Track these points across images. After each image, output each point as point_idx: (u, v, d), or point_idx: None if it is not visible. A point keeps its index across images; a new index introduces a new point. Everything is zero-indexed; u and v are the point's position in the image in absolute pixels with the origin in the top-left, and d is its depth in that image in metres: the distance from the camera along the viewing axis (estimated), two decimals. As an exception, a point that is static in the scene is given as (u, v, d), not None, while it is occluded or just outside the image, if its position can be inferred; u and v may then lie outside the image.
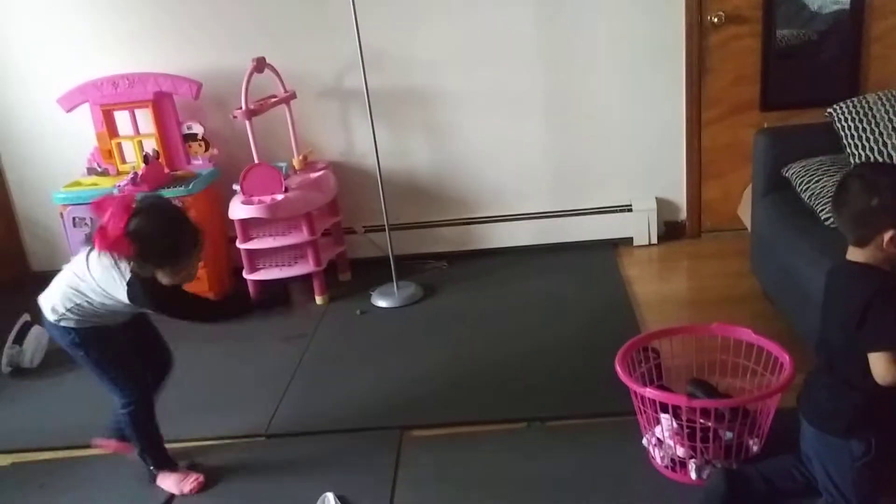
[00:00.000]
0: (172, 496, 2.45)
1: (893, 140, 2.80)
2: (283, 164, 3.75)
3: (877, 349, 1.82)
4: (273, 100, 3.76)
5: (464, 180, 4.10)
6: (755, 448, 2.28)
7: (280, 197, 3.56)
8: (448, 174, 4.10)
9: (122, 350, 2.39)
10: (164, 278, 2.19)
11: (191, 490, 2.46)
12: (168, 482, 2.48)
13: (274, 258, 3.79)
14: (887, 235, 1.82)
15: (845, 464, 1.94)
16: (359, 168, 4.05)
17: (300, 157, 3.87)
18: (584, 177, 4.05)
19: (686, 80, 3.85)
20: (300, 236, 3.65)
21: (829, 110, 3.09)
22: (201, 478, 2.49)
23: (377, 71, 3.71)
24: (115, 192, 3.67)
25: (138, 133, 3.93)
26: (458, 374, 3.01)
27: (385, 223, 3.70)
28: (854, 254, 1.91)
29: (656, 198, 4.04)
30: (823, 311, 2.01)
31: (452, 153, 4.06)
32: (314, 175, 3.81)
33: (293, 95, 3.88)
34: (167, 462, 2.51)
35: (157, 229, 2.15)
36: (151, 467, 2.49)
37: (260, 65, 3.63)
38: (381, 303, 3.70)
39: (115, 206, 2.11)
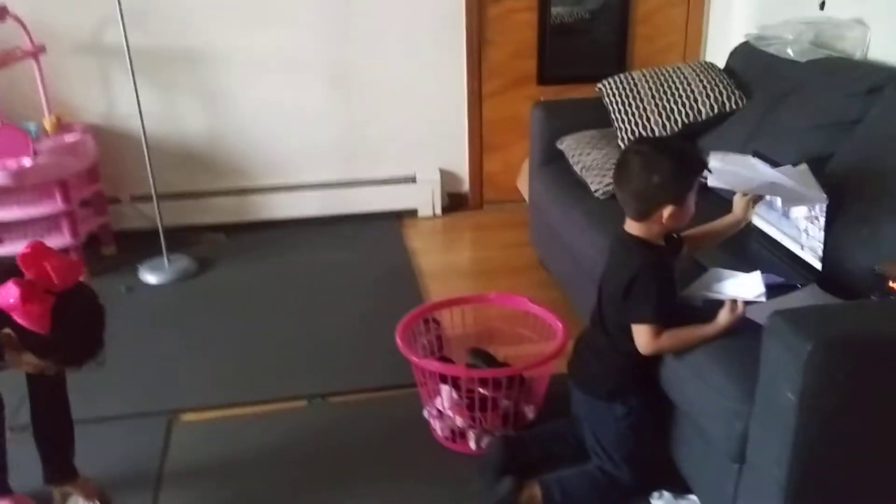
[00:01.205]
0: None
1: (655, 115, 2.96)
2: (32, 125, 3.34)
3: (639, 321, 1.90)
4: (17, 52, 3.32)
5: (241, 147, 3.88)
6: (531, 415, 2.32)
7: (28, 162, 3.16)
8: (224, 140, 3.86)
9: None
10: (26, 364, 1.73)
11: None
12: None
13: (23, 230, 3.37)
14: (666, 211, 1.88)
15: (609, 425, 2.02)
16: (123, 132, 3.70)
17: (52, 119, 3.46)
18: (369, 147, 3.97)
19: (467, 51, 3.87)
20: (53, 206, 3.27)
21: (599, 86, 3.22)
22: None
23: (141, 27, 3.39)
24: None
25: None
26: (235, 352, 2.84)
27: (153, 192, 3.41)
28: (631, 226, 1.97)
29: (440, 169, 4.05)
30: (602, 276, 2.08)
31: (228, 118, 3.82)
32: (69, 138, 3.42)
33: (42, 49, 3.45)
34: None
35: (86, 330, 1.76)
36: None
37: (0, 13, 3.19)
38: (151, 278, 3.42)
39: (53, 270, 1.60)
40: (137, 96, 3.22)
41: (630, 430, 2.01)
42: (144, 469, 2.24)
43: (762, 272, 2.12)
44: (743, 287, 2.00)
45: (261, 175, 3.93)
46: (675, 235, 2.03)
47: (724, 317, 1.84)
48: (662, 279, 1.91)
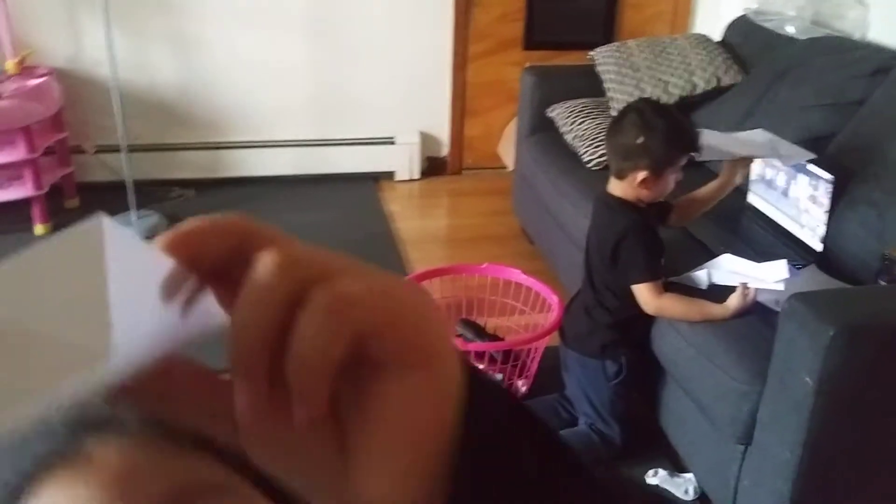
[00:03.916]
0: None
1: (650, 87, 2.90)
2: (-8, 67, 3.14)
3: (635, 282, 1.89)
4: (-21, -13, 3.12)
5: (214, 100, 3.72)
6: (524, 389, 2.28)
7: (-11, 106, 2.98)
8: (197, 92, 3.69)
9: None
10: None
11: None
12: None
13: (-19, 179, 3.20)
14: (640, 175, 1.86)
15: (602, 384, 2.02)
16: (90, 78, 3.51)
17: (16, 60, 3.26)
18: (347, 106, 3.84)
19: (454, 12, 3.75)
20: (16, 153, 3.09)
21: (592, 53, 3.15)
22: None
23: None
24: None
25: None
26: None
27: (121, 143, 3.24)
28: (613, 186, 1.97)
29: (420, 132, 3.94)
30: (588, 234, 2.07)
31: (202, 69, 3.65)
32: (33, 82, 3.23)
33: (6, -16, 3.24)
34: None
35: None
36: None
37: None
38: (118, 234, 3.27)
39: None
40: (110, 40, 3.04)
41: (622, 387, 2.03)
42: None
43: (760, 253, 2.11)
44: (768, 273, 1.98)
45: (234, 130, 3.78)
46: (663, 201, 2.01)
47: (735, 300, 1.82)
48: (648, 238, 1.91)
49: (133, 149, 3.38)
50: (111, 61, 3.09)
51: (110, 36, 3.04)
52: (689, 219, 2.11)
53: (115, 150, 3.37)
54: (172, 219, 3.42)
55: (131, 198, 3.31)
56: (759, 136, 2.29)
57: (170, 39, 3.57)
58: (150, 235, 3.24)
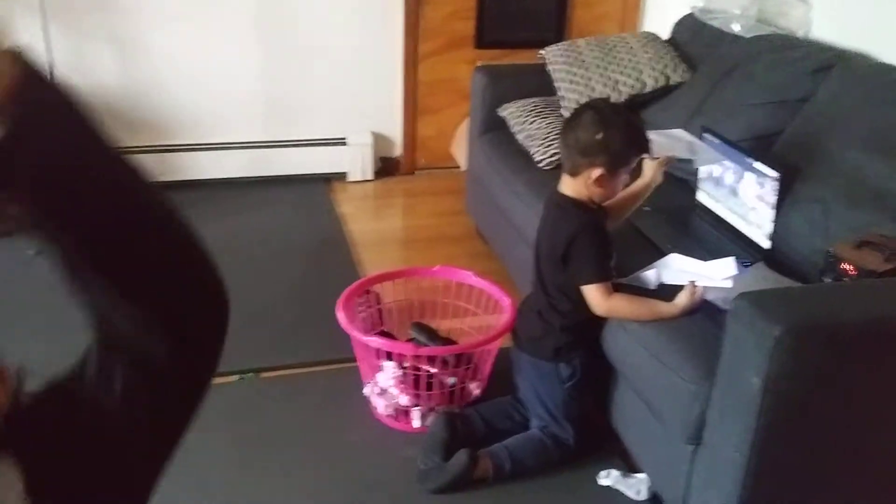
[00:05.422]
0: None
1: (601, 86, 2.90)
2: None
3: (586, 282, 1.89)
4: None
5: (160, 102, 3.63)
6: (477, 391, 2.26)
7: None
8: (141, 94, 3.60)
9: None
10: None
11: None
12: None
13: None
14: (595, 172, 1.86)
15: (555, 386, 2.02)
16: (29, 81, 3.40)
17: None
18: (298, 106, 3.78)
19: (405, 10, 3.71)
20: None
21: (542, 52, 3.14)
22: None
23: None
24: None
25: None
26: (157, 323, 2.67)
27: (64, 148, 3.15)
28: (565, 185, 1.96)
29: (372, 132, 3.90)
30: (537, 236, 2.06)
31: (146, 70, 3.56)
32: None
33: (-63, -15, 3.12)
34: None
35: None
36: None
37: None
38: (61, 241, 3.18)
39: None
40: (47, 41, 2.95)
41: (575, 390, 2.02)
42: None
43: (709, 251, 2.12)
44: (716, 271, 1.99)
45: (181, 133, 3.69)
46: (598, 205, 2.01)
47: (683, 298, 1.82)
48: (599, 239, 1.92)
49: (76, 153, 3.28)
50: (49, 63, 3.00)
51: (48, 36, 2.95)
52: (619, 220, 2.12)
53: (56, 154, 3.27)
54: (118, 224, 3.34)
55: (75, 203, 3.22)
56: (678, 133, 2.32)
57: (109, 38, 3.48)
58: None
